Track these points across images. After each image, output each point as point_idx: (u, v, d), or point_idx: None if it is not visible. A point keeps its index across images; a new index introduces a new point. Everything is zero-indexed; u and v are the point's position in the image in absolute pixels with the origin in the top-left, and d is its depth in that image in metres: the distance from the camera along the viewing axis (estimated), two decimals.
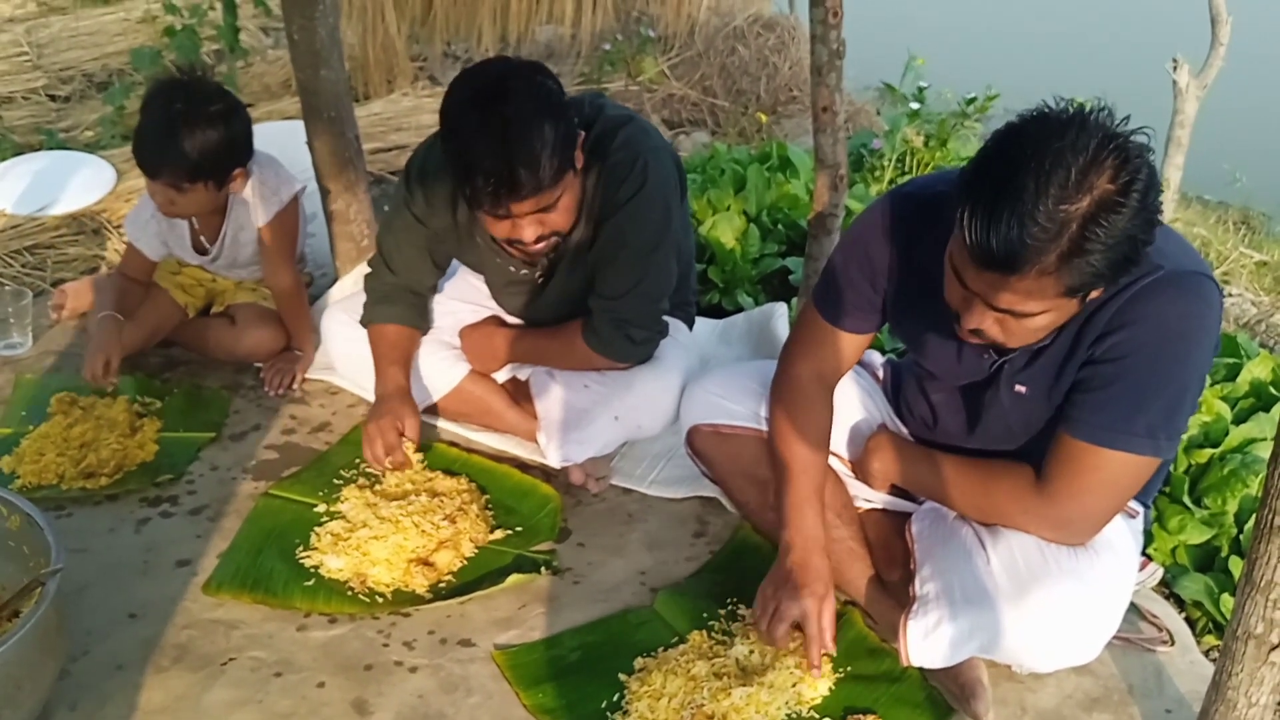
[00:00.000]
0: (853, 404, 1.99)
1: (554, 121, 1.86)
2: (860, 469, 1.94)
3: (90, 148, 3.89)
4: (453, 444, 2.43)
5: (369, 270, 2.33)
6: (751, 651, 1.83)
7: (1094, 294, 1.49)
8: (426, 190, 2.16)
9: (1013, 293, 1.42)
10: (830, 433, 1.87)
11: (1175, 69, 4.59)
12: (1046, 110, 1.40)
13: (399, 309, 2.30)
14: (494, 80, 1.88)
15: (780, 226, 3.36)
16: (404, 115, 4.36)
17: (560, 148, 1.87)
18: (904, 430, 1.98)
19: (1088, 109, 1.38)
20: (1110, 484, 1.61)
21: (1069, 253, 1.36)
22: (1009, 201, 1.35)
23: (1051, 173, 1.33)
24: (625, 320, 2.17)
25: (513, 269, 2.23)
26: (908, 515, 1.90)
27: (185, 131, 2.30)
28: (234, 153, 2.41)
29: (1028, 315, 1.46)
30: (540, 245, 2.00)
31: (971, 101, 4.16)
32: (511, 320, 2.42)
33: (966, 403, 1.78)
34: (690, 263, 2.42)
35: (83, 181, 3.53)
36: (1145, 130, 1.39)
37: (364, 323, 2.33)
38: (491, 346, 2.37)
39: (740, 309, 3.03)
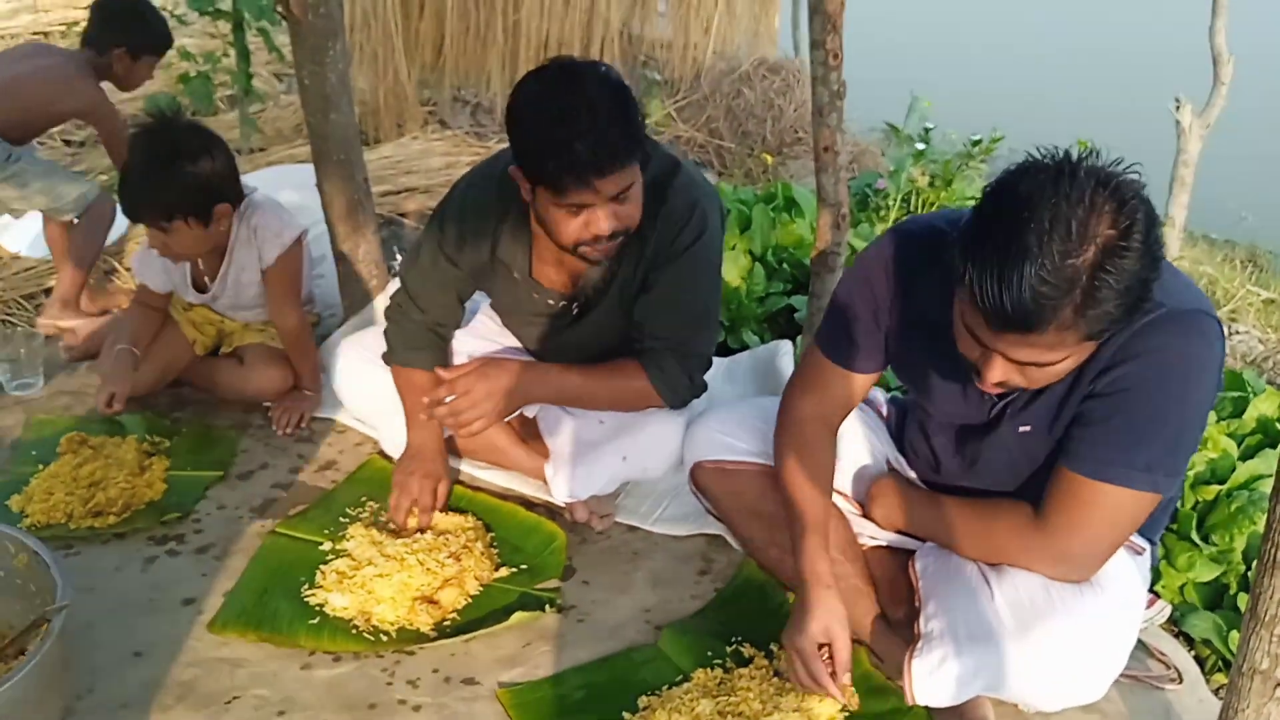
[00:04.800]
0: (858, 442, 2.00)
1: (631, 98, 1.89)
2: (865, 512, 1.94)
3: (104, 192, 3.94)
4: (458, 481, 2.43)
5: (394, 308, 2.31)
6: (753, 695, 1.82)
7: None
8: (463, 228, 2.16)
9: (1033, 348, 1.42)
10: (833, 474, 1.88)
11: (1178, 108, 4.62)
12: (1035, 163, 1.40)
13: (427, 354, 2.28)
14: (565, 69, 1.90)
15: (785, 265, 3.38)
16: (414, 159, 4.42)
17: (639, 124, 1.90)
18: (907, 468, 1.98)
19: (1075, 156, 1.39)
20: (1109, 519, 1.60)
21: (1083, 304, 1.36)
22: (1016, 264, 1.34)
23: (1053, 228, 1.33)
24: (689, 361, 2.17)
25: (551, 301, 2.22)
26: (912, 552, 1.90)
27: (155, 175, 2.35)
28: (210, 190, 2.42)
29: (1050, 364, 1.46)
30: (610, 245, 1.98)
31: (977, 143, 4.19)
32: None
33: (968, 442, 1.78)
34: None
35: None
36: (1135, 168, 1.39)
37: (390, 361, 2.31)
38: (517, 382, 2.17)
39: (746, 347, 3.05)
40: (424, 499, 2.22)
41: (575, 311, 2.22)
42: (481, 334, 2.45)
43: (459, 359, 2.37)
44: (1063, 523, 1.62)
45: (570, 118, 1.82)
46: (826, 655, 1.71)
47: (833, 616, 1.70)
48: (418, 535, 2.18)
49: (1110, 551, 1.64)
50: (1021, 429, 1.67)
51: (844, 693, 1.73)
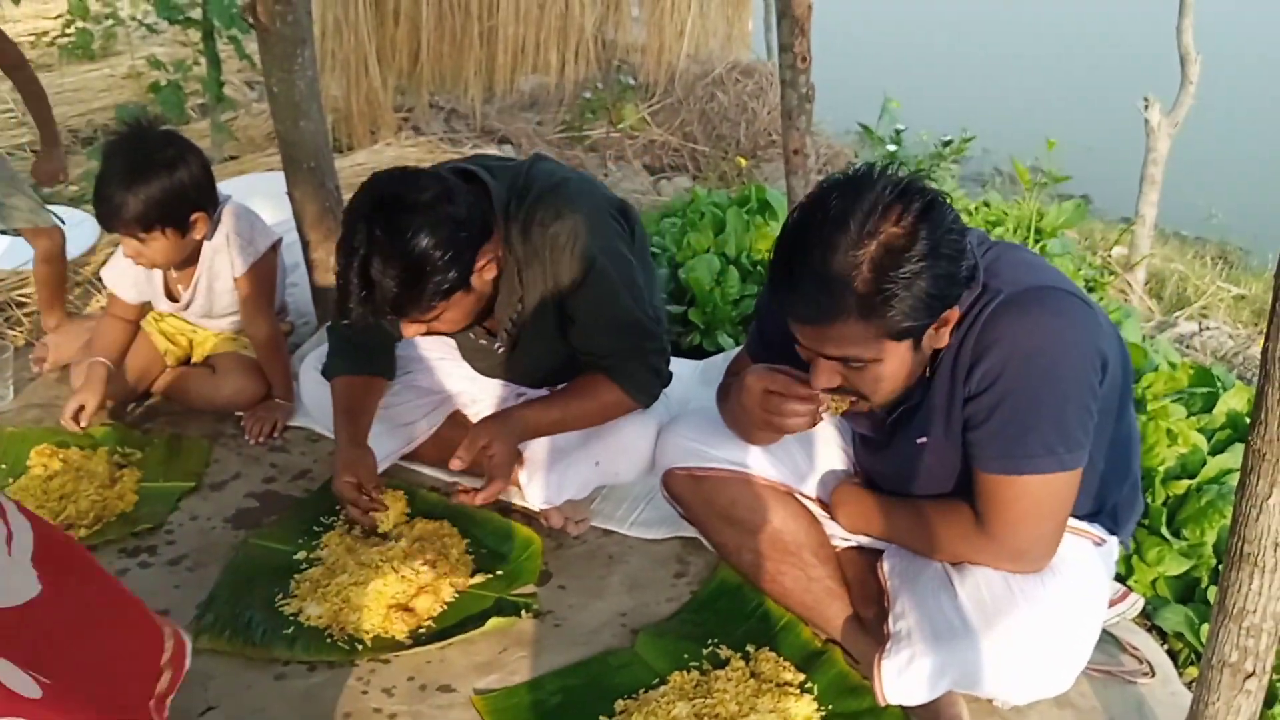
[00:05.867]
0: (828, 446, 2.00)
1: (426, 267, 1.84)
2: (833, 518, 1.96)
3: (74, 202, 3.91)
4: (433, 489, 2.43)
5: (330, 320, 2.32)
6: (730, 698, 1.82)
7: (938, 343, 1.56)
8: None
9: (833, 342, 1.50)
10: None
11: (1146, 107, 4.66)
12: (838, 176, 1.49)
13: (354, 360, 2.28)
14: (385, 205, 1.85)
15: (760, 268, 3.39)
16: (387, 165, 4.37)
17: (430, 293, 1.87)
18: None
19: (875, 167, 1.48)
20: (1037, 508, 1.62)
21: (867, 297, 1.44)
22: (801, 257, 1.45)
23: (837, 226, 1.43)
24: (648, 359, 2.17)
25: (472, 336, 2.22)
26: (883, 552, 1.91)
27: (132, 182, 2.33)
28: (185, 198, 2.41)
29: (861, 362, 1.53)
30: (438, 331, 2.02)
31: (948, 144, 4.22)
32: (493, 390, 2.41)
33: (882, 457, 1.82)
34: (658, 303, 2.36)
35: (67, 236, 3.54)
36: (924, 173, 1.50)
37: (324, 374, 2.32)
38: (510, 432, 2.13)
39: (721, 349, 3.06)
40: (348, 494, 2.16)
41: (499, 348, 2.22)
42: (424, 353, 2.43)
43: (416, 366, 2.40)
44: (999, 523, 1.64)
45: (355, 264, 1.83)
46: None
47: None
48: (392, 542, 2.17)
49: (1056, 534, 1.66)
50: (918, 440, 1.70)
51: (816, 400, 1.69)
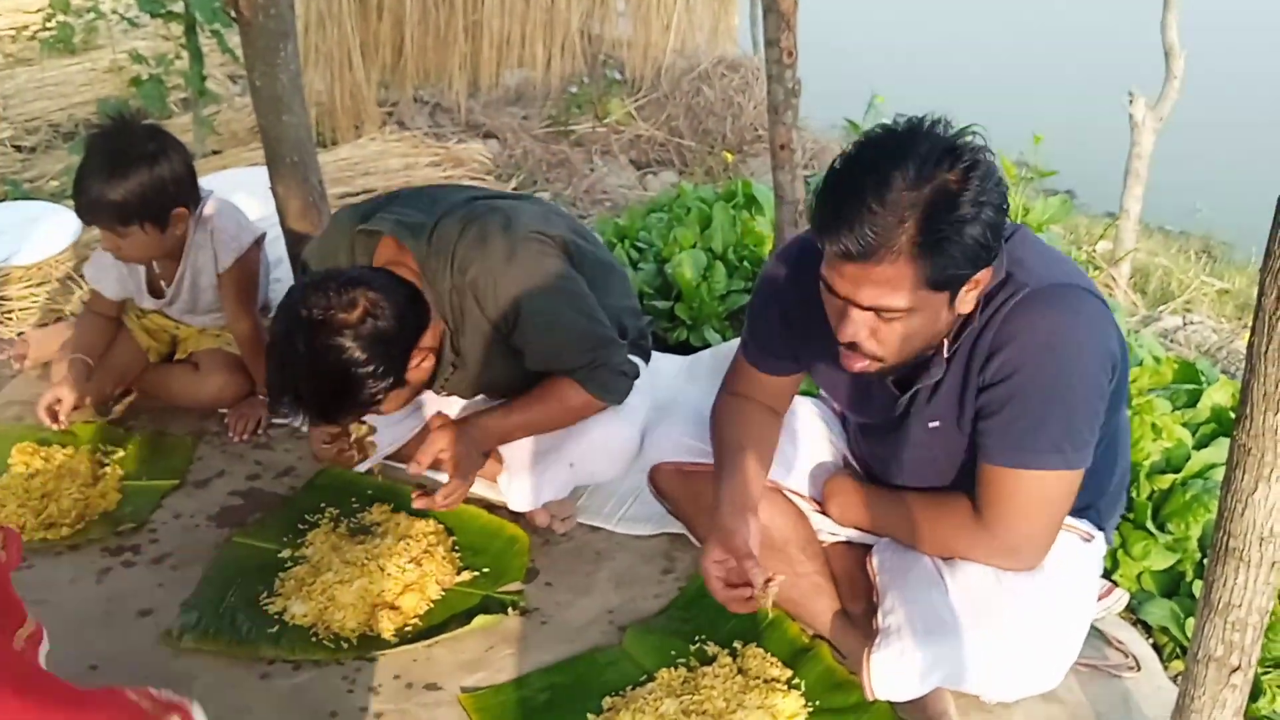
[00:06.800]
0: (816, 439, 2.01)
1: (352, 384, 1.85)
2: (823, 509, 1.95)
3: (55, 198, 3.88)
4: (419, 486, 2.41)
5: None
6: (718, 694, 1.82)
7: (965, 307, 1.55)
8: None
9: (874, 285, 1.48)
10: (775, 431, 1.89)
11: (1131, 102, 4.67)
12: (890, 125, 1.50)
13: None
14: (312, 325, 1.82)
15: (746, 263, 3.38)
16: (371, 160, 4.38)
17: (360, 403, 1.88)
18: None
19: (928, 120, 1.49)
20: (1038, 504, 1.63)
21: (917, 236, 1.43)
22: (857, 193, 1.44)
23: (893, 167, 1.43)
24: (610, 362, 2.13)
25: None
26: (870, 547, 1.90)
27: (111, 177, 2.30)
28: (166, 193, 2.38)
29: (895, 313, 1.50)
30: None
31: None
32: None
33: (886, 443, 1.81)
34: (629, 298, 2.35)
35: (47, 231, 3.52)
36: (974, 129, 1.49)
37: None
38: (469, 436, 2.09)
39: (708, 345, 3.05)
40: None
41: (441, 391, 2.20)
42: None
43: None
44: (998, 516, 1.65)
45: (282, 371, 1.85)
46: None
47: (732, 536, 1.69)
48: (378, 540, 2.16)
49: (1051, 534, 1.67)
50: (931, 424, 1.70)
51: (759, 597, 1.65)
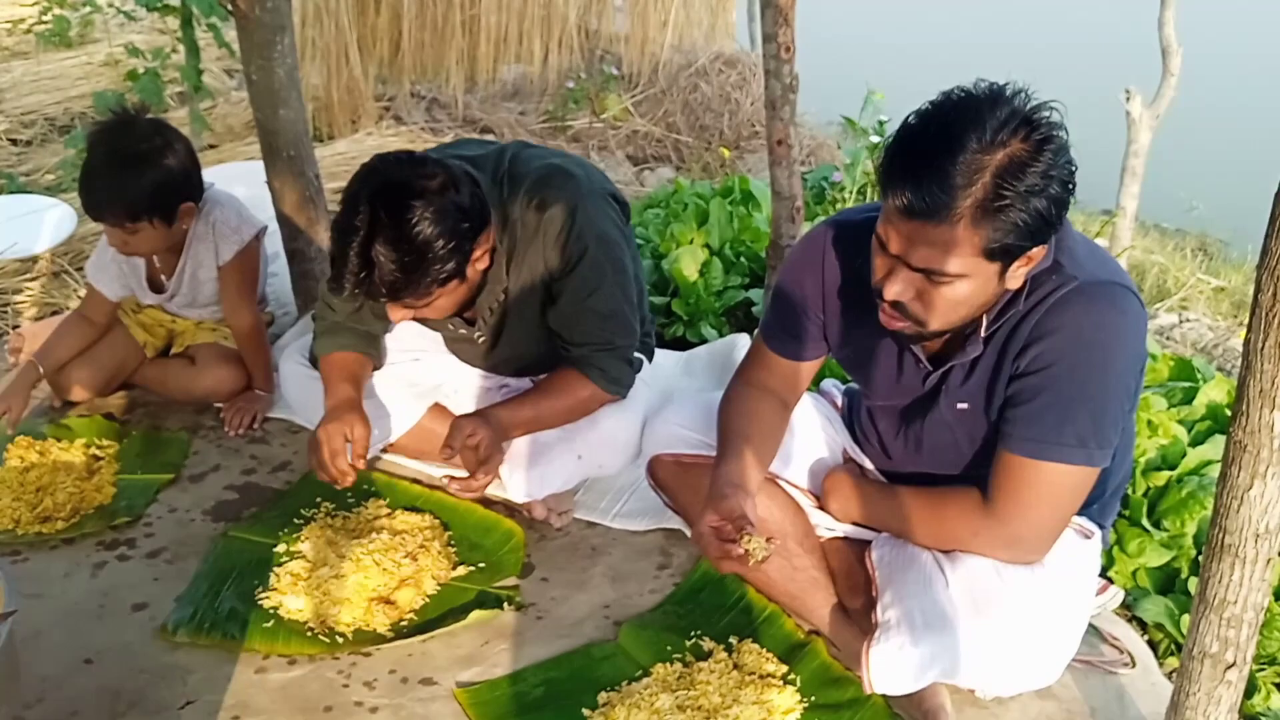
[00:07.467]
0: (814, 434, 2.00)
1: (428, 254, 1.84)
2: (822, 504, 1.95)
3: (51, 191, 3.88)
4: (415, 481, 2.41)
5: (317, 308, 2.28)
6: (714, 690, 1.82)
7: (1014, 283, 1.53)
8: None
9: (931, 246, 1.46)
10: (781, 426, 1.88)
11: (1128, 99, 4.67)
12: (965, 88, 1.49)
13: (346, 339, 2.22)
14: (392, 189, 1.83)
15: (743, 259, 3.38)
16: (368, 154, 4.34)
17: (429, 280, 1.87)
18: (863, 458, 1.99)
19: (1009, 86, 1.48)
20: (1051, 497, 1.63)
21: (984, 202, 1.42)
22: (930, 150, 1.43)
23: (967, 130, 1.42)
24: (619, 351, 2.15)
25: (451, 327, 2.21)
26: (869, 542, 1.91)
27: (121, 172, 2.29)
28: (175, 189, 2.38)
29: (946, 278, 1.49)
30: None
31: None
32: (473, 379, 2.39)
33: (911, 423, 1.81)
34: (643, 291, 2.37)
35: (43, 225, 3.51)
36: (1054, 104, 1.48)
37: (314, 355, 2.27)
38: (492, 427, 2.09)
39: (704, 341, 3.05)
40: (335, 443, 2.04)
41: (479, 338, 2.21)
42: (426, 336, 2.39)
43: (400, 357, 2.35)
44: (1009, 505, 1.64)
45: (351, 250, 1.83)
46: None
47: (726, 500, 1.68)
48: (374, 535, 2.15)
49: (1058, 529, 1.67)
50: (959, 405, 1.70)
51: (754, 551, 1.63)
